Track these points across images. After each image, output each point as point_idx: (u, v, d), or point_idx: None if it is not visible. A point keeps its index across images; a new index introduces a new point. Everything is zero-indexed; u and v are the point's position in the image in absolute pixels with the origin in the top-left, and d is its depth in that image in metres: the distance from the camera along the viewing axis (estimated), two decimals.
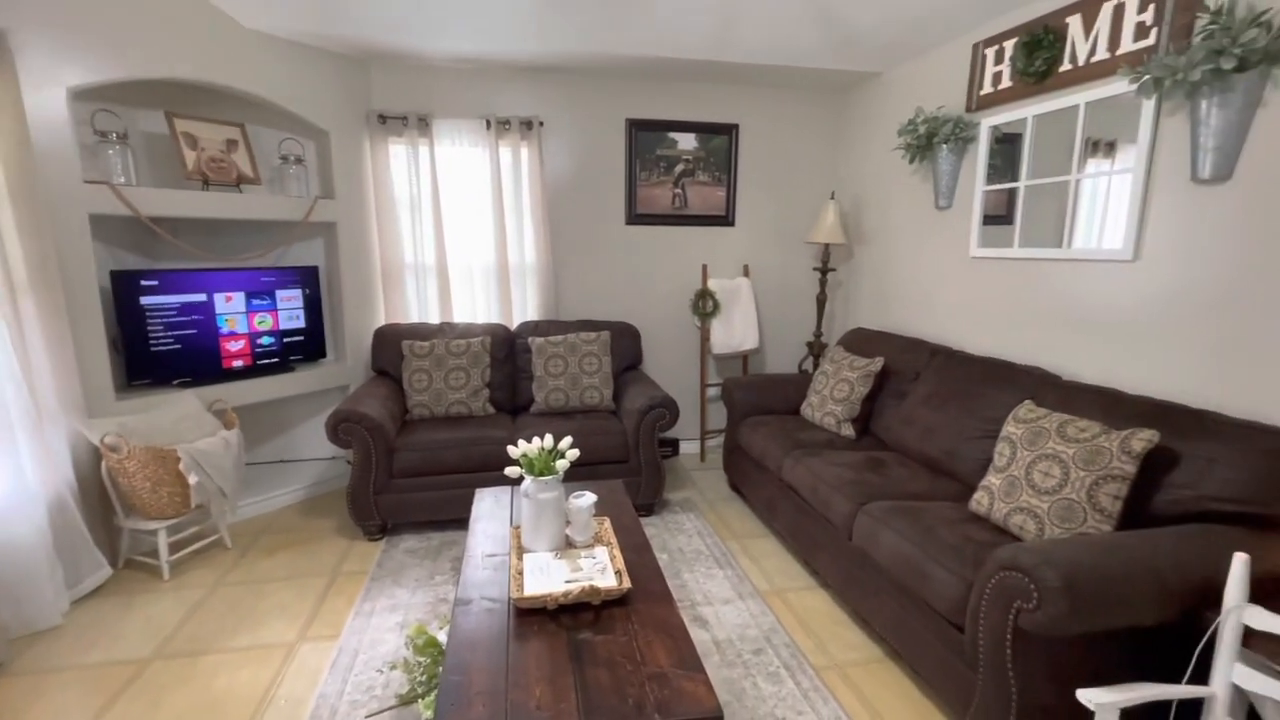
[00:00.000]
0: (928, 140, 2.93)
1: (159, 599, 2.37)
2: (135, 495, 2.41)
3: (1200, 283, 1.92)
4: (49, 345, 2.26)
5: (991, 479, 2.00)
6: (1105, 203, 2.21)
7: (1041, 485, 1.81)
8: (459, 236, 3.51)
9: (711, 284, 3.82)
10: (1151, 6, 1.98)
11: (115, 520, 2.50)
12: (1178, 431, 1.75)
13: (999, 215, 2.68)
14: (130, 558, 2.59)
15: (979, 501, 2.01)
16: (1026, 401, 2.08)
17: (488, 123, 3.39)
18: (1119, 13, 2.09)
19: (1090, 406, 1.99)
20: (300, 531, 2.93)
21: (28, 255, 2.20)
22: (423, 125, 3.32)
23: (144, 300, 2.65)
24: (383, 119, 3.28)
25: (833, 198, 3.62)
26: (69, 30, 2.28)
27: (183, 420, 2.61)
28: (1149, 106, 2.00)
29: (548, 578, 1.58)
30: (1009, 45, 2.53)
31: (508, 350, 3.39)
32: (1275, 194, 1.73)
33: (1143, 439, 1.68)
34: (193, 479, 2.46)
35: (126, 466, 2.35)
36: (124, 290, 2.60)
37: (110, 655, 2.05)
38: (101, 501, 2.49)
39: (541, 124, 3.49)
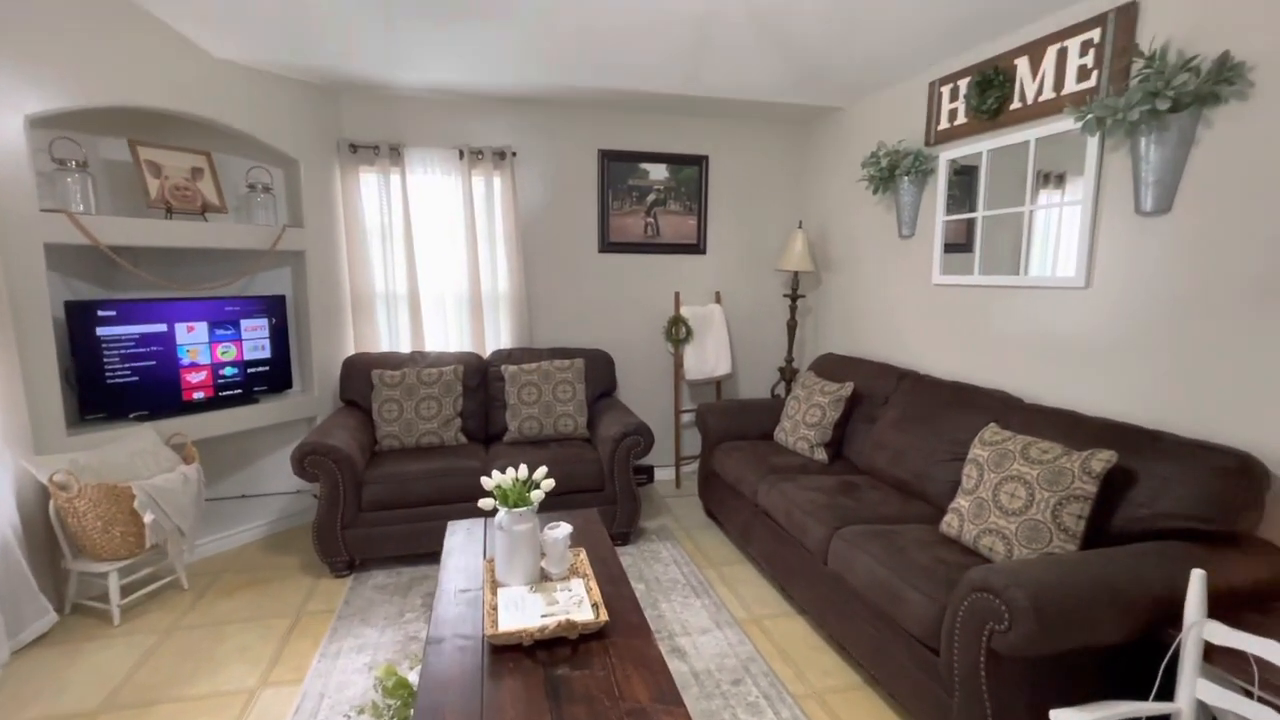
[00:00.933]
0: (890, 172, 3.04)
1: (108, 646, 2.25)
2: (85, 535, 2.30)
3: (1147, 309, 2.02)
4: None
5: (960, 501, 2.04)
6: (1058, 232, 2.31)
7: (1008, 506, 1.85)
8: (431, 265, 3.50)
9: (684, 311, 3.87)
10: (1092, 51, 2.11)
11: (63, 563, 2.37)
12: (1134, 451, 1.81)
13: (959, 244, 2.78)
14: (78, 602, 2.45)
15: (949, 524, 2.04)
16: (991, 424, 2.14)
17: (461, 152, 3.41)
18: (1062, 56, 2.22)
19: (1052, 428, 2.06)
20: (262, 569, 2.82)
21: None
22: (394, 154, 3.32)
23: (100, 331, 2.57)
24: (354, 148, 3.28)
25: (800, 226, 3.72)
26: (28, 57, 2.24)
27: (138, 455, 2.51)
28: (1093, 143, 2.12)
29: (523, 612, 1.54)
30: (963, 84, 2.66)
31: (480, 379, 3.35)
32: (1211, 225, 1.84)
33: (1102, 459, 1.74)
34: (148, 517, 2.35)
35: (76, 505, 2.24)
36: (79, 321, 2.51)
37: (53, 709, 1.93)
38: (48, 543, 2.36)
39: (514, 154, 3.52)
